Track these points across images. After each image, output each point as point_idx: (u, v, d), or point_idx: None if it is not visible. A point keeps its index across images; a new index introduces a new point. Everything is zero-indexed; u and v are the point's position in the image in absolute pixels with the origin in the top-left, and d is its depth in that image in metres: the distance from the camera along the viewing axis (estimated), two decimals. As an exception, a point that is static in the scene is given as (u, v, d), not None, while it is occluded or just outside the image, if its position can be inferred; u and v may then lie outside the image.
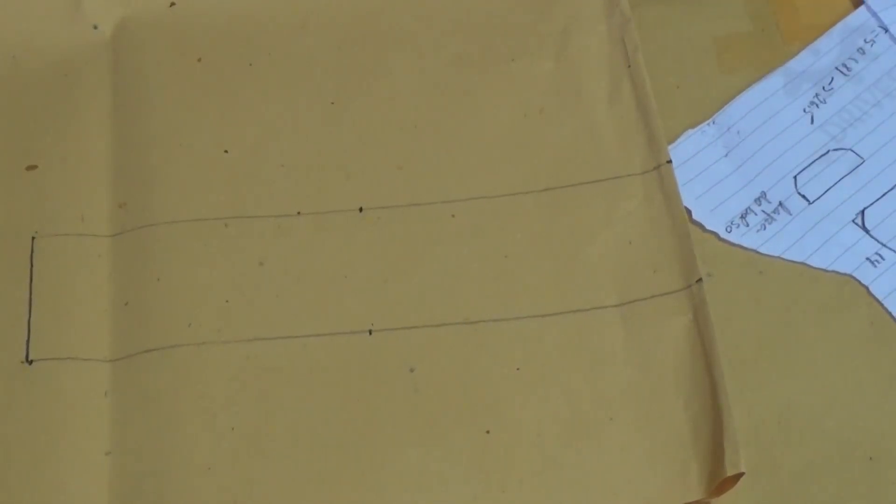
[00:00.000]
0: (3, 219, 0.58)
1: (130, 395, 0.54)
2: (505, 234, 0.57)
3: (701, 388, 0.53)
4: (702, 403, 0.52)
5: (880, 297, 0.56)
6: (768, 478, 0.52)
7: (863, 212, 0.58)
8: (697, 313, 0.54)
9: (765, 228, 0.58)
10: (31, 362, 0.54)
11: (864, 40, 0.63)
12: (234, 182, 0.59)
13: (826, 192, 0.59)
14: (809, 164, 0.60)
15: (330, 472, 0.52)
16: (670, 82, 0.62)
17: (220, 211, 0.58)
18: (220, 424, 0.53)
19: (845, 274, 0.57)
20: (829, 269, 0.57)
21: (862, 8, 0.64)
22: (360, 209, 0.58)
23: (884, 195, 0.59)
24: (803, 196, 0.59)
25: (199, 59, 0.62)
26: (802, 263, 0.57)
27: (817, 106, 0.61)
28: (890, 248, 0.57)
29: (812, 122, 0.61)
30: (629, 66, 0.61)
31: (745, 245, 0.58)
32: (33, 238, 0.57)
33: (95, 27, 0.63)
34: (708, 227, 0.58)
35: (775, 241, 0.58)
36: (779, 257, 0.57)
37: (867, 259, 0.57)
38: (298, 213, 0.58)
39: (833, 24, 0.63)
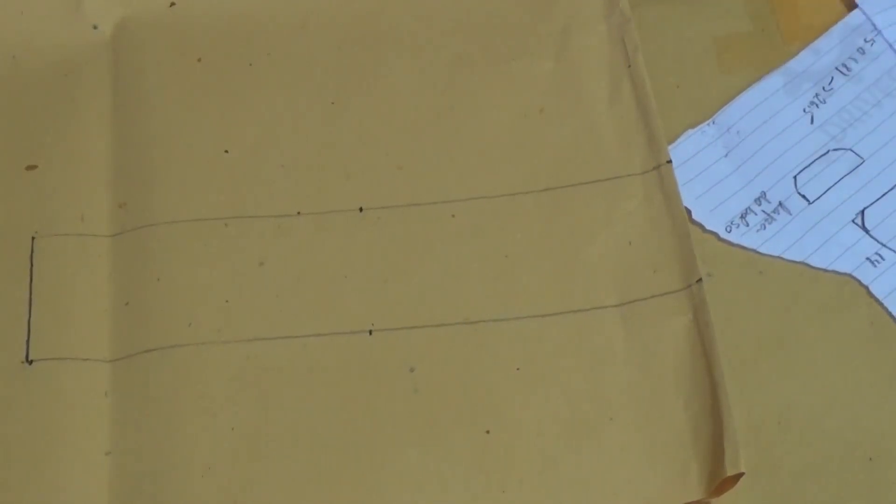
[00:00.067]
0: (3, 219, 0.58)
1: (130, 395, 0.54)
2: (505, 234, 0.57)
3: (701, 388, 0.53)
4: (702, 403, 0.52)
5: (880, 297, 0.56)
6: (768, 478, 0.52)
7: (863, 212, 0.58)
8: (697, 313, 0.54)
9: (765, 228, 0.58)
10: (31, 362, 0.54)
11: (864, 40, 0.63)
12: (234, 182, 0.59)
13: (826, 192, 0.59)
14: (809, 164, 0.60)
15: (330, 472, 0.52)
16: (670, 82, 0.62)
17: (220, 211, 0.58)
18: (220, 424, 0.53)
19: (845, 274, 0.57)
20: (829, 268, 0.57)
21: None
22: (360, 209, 0.58)
23: (884, 195, 0.59)
24: (803, 196, 0.59)
25: (199, 59, 0.62)
26: (802, 263, 0.57)
27: (817, 106, 0.61)
28: (890, 248, 0.57)
29: (812, 122, 0.61)
30: (629, 66, 0.61)
31: (745, 245, 0.58)
32: (33, 238, 0.57)
33: (95, 27, 0.63)
34: (708, 227, 0.58)
35: (775, 241, 0.58)
36: (779, 257, 0.57)
37: (867, 259, 0.57)
38: (298, 213, 0.58)
39: (833, 24, 0.63)
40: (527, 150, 0.59)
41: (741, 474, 0.50)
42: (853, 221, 0.58)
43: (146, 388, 0.54)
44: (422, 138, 0.60)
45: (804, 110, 0.61)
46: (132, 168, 0.59)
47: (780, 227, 0.58)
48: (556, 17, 0.63)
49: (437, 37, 0.63)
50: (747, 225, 0.58)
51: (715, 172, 0.60)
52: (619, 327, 0.55)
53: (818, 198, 0.59)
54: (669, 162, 0.58)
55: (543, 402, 0.53)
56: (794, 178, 0.59)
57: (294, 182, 0.59)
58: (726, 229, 0.58)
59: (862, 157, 0.60)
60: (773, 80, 0.62)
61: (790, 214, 0.58)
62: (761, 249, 0.57)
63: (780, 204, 0.59)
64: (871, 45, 0.63)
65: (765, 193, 0.59)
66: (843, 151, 0.60)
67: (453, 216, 0.58)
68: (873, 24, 0.63)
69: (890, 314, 0.55)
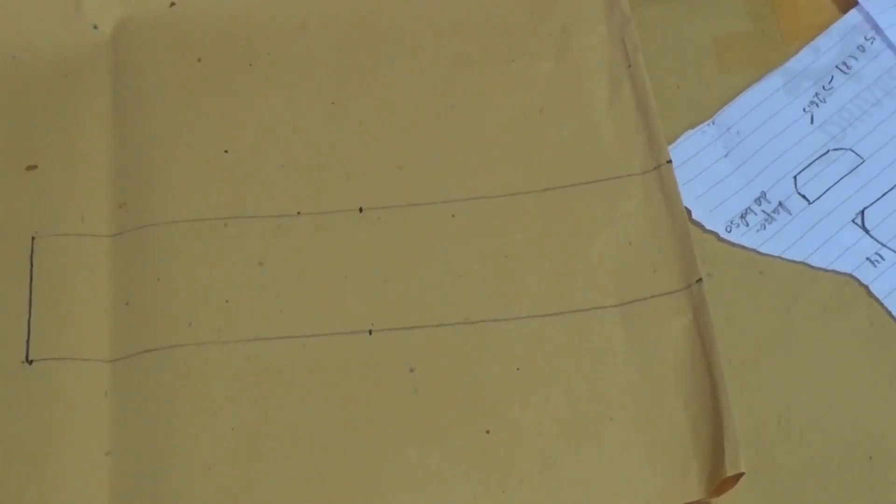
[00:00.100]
0: (3, 219, 0.58)
1: (130, 395, 0.54)
2: (505, 234, 0.57)
3: (701, 388, 0.53)
4: (702, 403, 0.52)
5: (880, 297, 0.56)
6: (768, 478, 0.52)
7: (863, 212, 0.58)
8: (697, 313, 0.54)
9: (765, 228, 0.58)
10: (31, 362, 0.54)
11: (865, 38, 0.63)
12: (233, 182, 0.59)
13: (826, 191, 0.59)
14: (809, 164, 0.60)
15: (330, 472, 0.52)
16: (670, 82, 0.62)
17: (220, 211, 0.58)
18: (220, 424, 0.53)
19: (845, 274, 0.57)
20: (829, 268, 0.57)
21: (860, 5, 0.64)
22: (360, 209, 0.58)
23: (884, 195, 0.59)
24: (803, 196, 0.59)
25: (199, 59, 0.62)
26: (802, 263, 0.57)
27: (817, 105, 0.61)
28: (890, 248, 0.57)
29: (812, 121, 0.61)
30: (629, 66, 0.61)
31: (745, 245, 0.58)
32: (33, 238, 0.57)
33: (95, 27, 0.63)
34: (708, 227, 0.58)
35: (775, 241, 0.58)
36: (779, 257, 0.57)
37: (867, 259, 0.57)
38: (298, 213, 0.58)
39: (833, 23, 0.63)
40: (527, 150, 0.59)
41: (741, 474, 0.50)
42: (853, 221, 0.58)
43: (146, 388, 0.54)
44: (422, 138, 0.60)
45: (804, 110, 0.61)
46: (132, 168, 0.59)
47: (780, 227, 0.58)
48: (556, 17, 0.63)
49: (437, 37, 0.63)
50: (747, 225, 0.58)
51: (715, 172, 0.60)
52: (619, 327, 0.55)
53: (818, 198, 0.59)
54: (669, 162, 0.58)
55: (543, 402, 0.53)
56: (794, 177, 0.59)
57: (294, 182, 0.59)
58: (726, 229, 0.58)
59: (862, 157, 0.60)
60: (773, 80, 0.62)
61: (790, 214, 0.58)
62: (761, 249, 0.57)
63: (780, 204, 0.59)
64: (872, 43, 0.63)
65: (765, 193, 0.59)
66: (842, 151, 0.60)
67: (453, 216, 0.58)
68: (874, 23, 0.63)
69: (890, 314, 0.55)
